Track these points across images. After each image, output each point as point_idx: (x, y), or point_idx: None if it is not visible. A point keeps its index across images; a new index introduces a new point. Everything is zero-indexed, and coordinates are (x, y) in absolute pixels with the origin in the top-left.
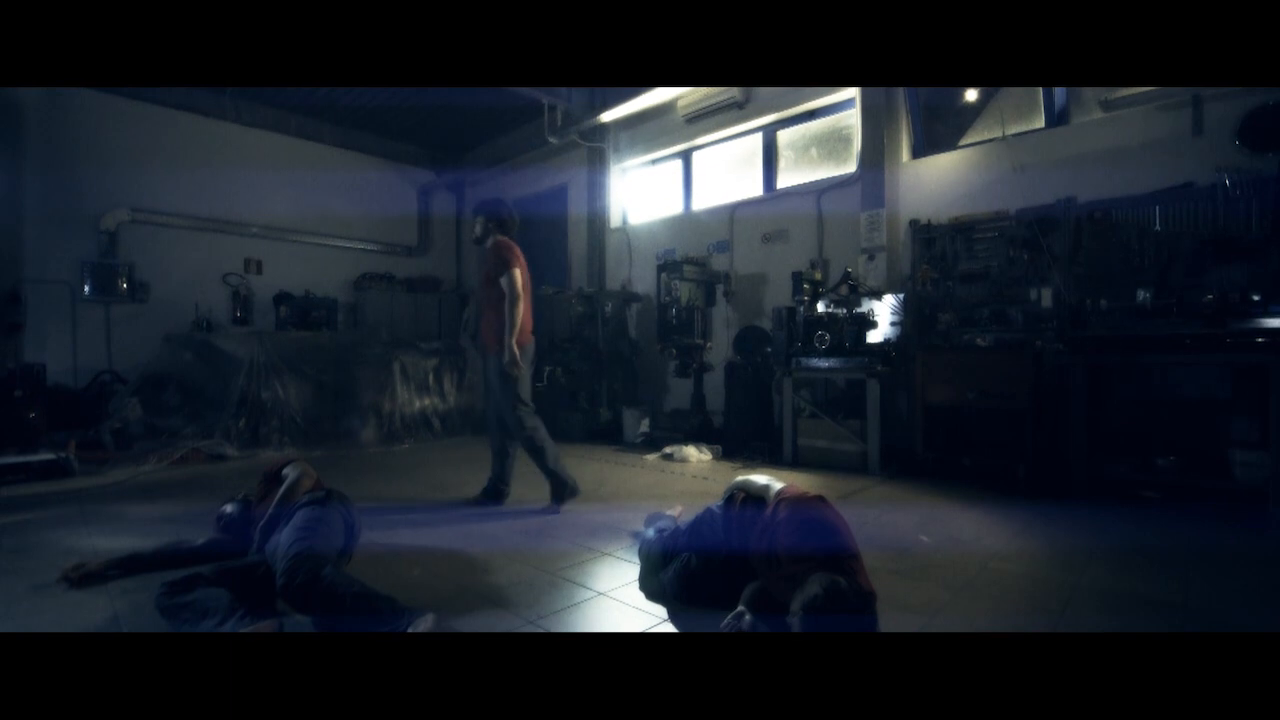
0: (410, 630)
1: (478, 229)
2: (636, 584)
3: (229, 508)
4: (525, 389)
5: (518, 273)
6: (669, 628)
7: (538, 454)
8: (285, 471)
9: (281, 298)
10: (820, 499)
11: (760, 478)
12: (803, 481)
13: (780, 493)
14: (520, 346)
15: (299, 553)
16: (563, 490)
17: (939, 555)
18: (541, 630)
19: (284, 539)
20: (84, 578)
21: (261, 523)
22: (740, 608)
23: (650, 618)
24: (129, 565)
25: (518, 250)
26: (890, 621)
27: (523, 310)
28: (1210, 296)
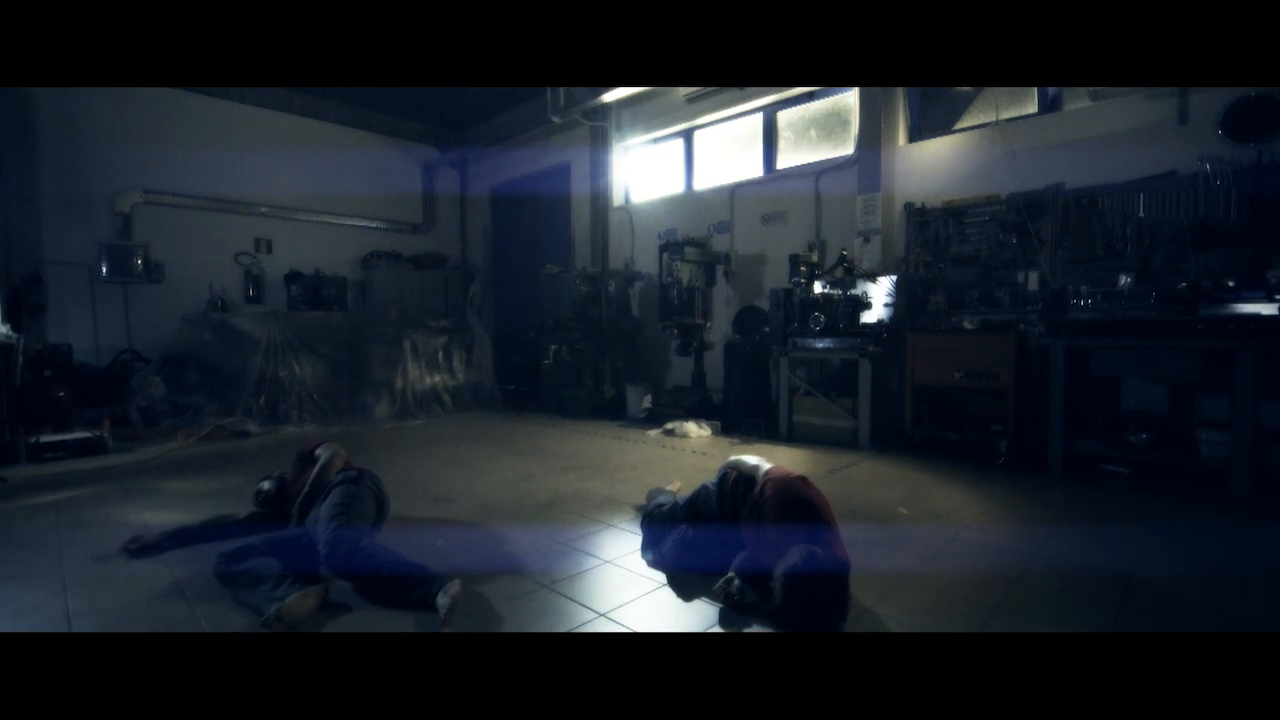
0: (439, 594)
1: None
2: (639, 553)
3: (266, 484)
4: None
5: None
6: (668, 592)
7: None
8: (318, 452)
9: (292, 277)
10: (803, 479)
11: (751, 458)
12: (796, 456)
13: (768, 473)
14: None
15: (339, 526)
16: None
17: (916, 527)
18: (556, 593)
19: (323, 514)
20: (141, 549)
21: (299, 499)
22: (730, 574)
23: (650, 583)
24: (180, 538)
25: None
26: (861, 587)
27: None
28: (1184, 284)
